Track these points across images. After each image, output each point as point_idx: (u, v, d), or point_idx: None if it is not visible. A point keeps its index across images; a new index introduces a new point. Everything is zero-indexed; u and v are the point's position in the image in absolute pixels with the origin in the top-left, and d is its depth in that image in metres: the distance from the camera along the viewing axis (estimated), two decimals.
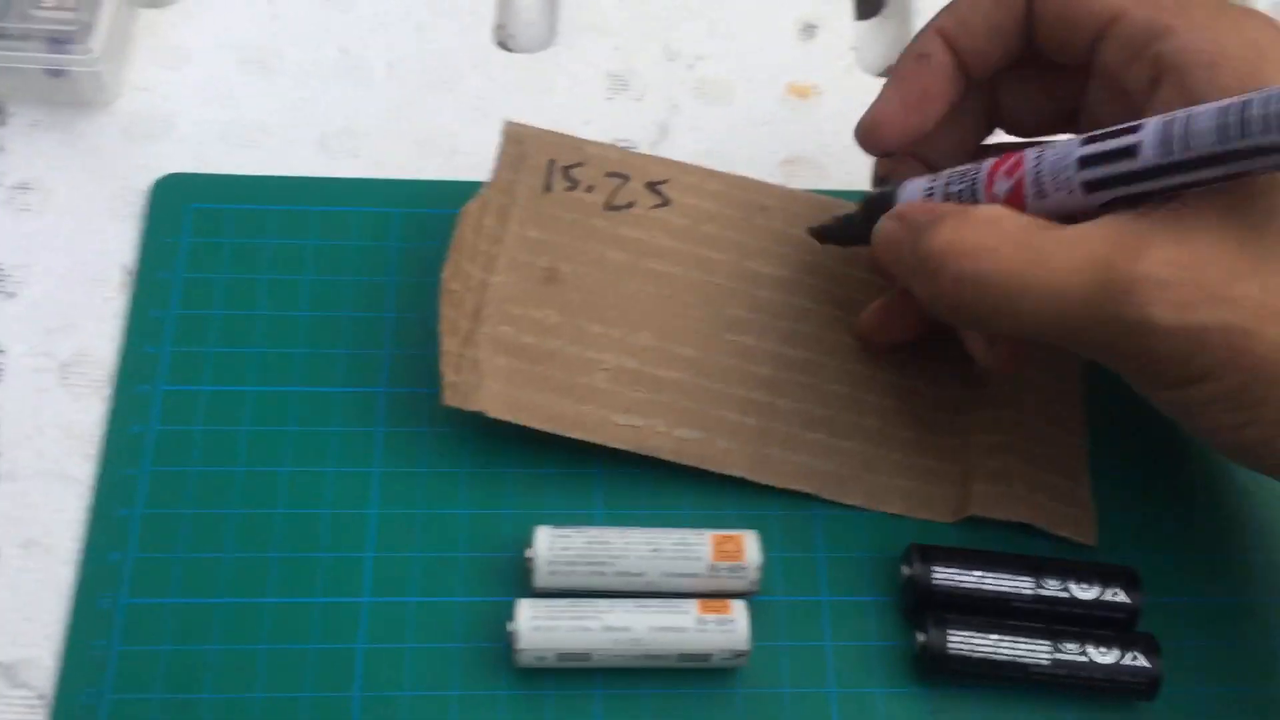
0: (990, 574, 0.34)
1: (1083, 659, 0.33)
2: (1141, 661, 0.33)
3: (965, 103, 0.35)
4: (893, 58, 0.47)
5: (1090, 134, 0.30)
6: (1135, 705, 0.34)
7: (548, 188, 0.38)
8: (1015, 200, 0.31)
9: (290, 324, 0.37)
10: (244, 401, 0.36)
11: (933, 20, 0.35)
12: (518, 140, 0.39)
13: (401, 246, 0.39)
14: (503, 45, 0.45)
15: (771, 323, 0.38)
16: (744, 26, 0.45)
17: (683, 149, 0.42)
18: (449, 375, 0.35)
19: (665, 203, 0.39)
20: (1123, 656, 0.33)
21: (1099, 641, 0.33)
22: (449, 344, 0.35)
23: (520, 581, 0.34)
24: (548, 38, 0.45)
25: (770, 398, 0.37)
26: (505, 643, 0.33)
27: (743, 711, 0.33)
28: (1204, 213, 0.28)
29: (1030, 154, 0.31)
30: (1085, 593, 0.34)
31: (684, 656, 0.32)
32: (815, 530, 0.36)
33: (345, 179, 0.40)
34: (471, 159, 0.41)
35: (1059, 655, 0.33)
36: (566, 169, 0.38)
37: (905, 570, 0.34)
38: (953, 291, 0.30)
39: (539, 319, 0.36)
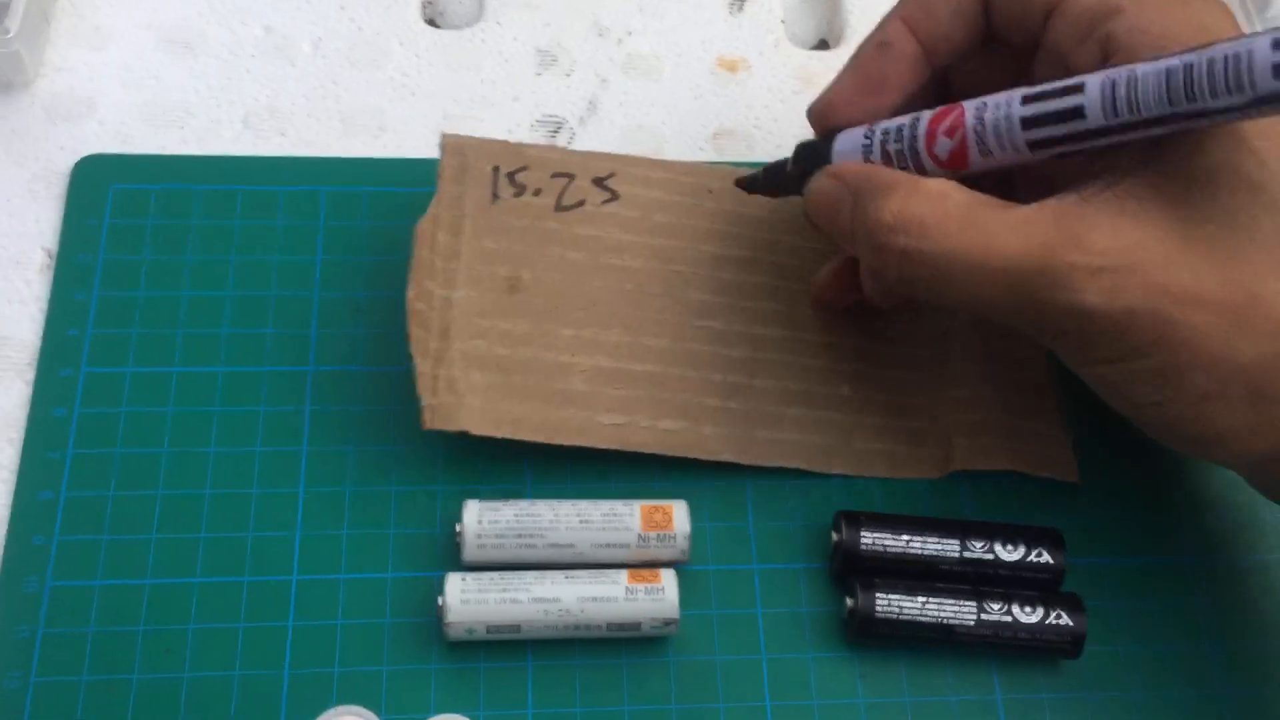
0: (917, 537, 0.34)
1: (1008, 619, 0.33)
2: (1065, 620, 0.33)
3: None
4: (822, 31, 0.47)
5: (1030, 92, 0.30)
6: (1060, 663, 0.34)
7: (495, 196, 0.38)
8: (959, 159, 0.31)
9: (215, 304, 0.37)
10: (169, 383, 0.36)
11: (896, 8, 0.34)
12: (458, 151, 0.38)
13: (328, 225, 0.39)
14: (431, 22, 0.45)
15: (737, 304, 0.38)
16: (673, 1, 0.45)
17: (612, 124, 0.42)
18: (426, 398, 0.34)
19: (614, 197, 0.38)
20: (1047, 616, 0.33)
21: (1024, 602, 0.33)
22: (422, 366, 0.34)
23: (450, 556, 0.34)
24: (476, 13, 0.45)
25: (748, 379, 0.37)
26: (435, 617, 0.33)
27: (675, 679, 0.33)
28: (1145, 198, 0.29)
29: (969, 111, 0.31)
30: (1010, 554, 0.34)
31: (614, 626, 0.33)
32: (746, 499, 0.36)
33: (270, 157, 0.40)
34: (399, 136, 0.41)
35: (984, 616, 0.33)
36: (511, 175, 0.38)
37: (834, 536, 0.35)
38: (897, 264, 0.31)
39: (508, 329, 0.36)
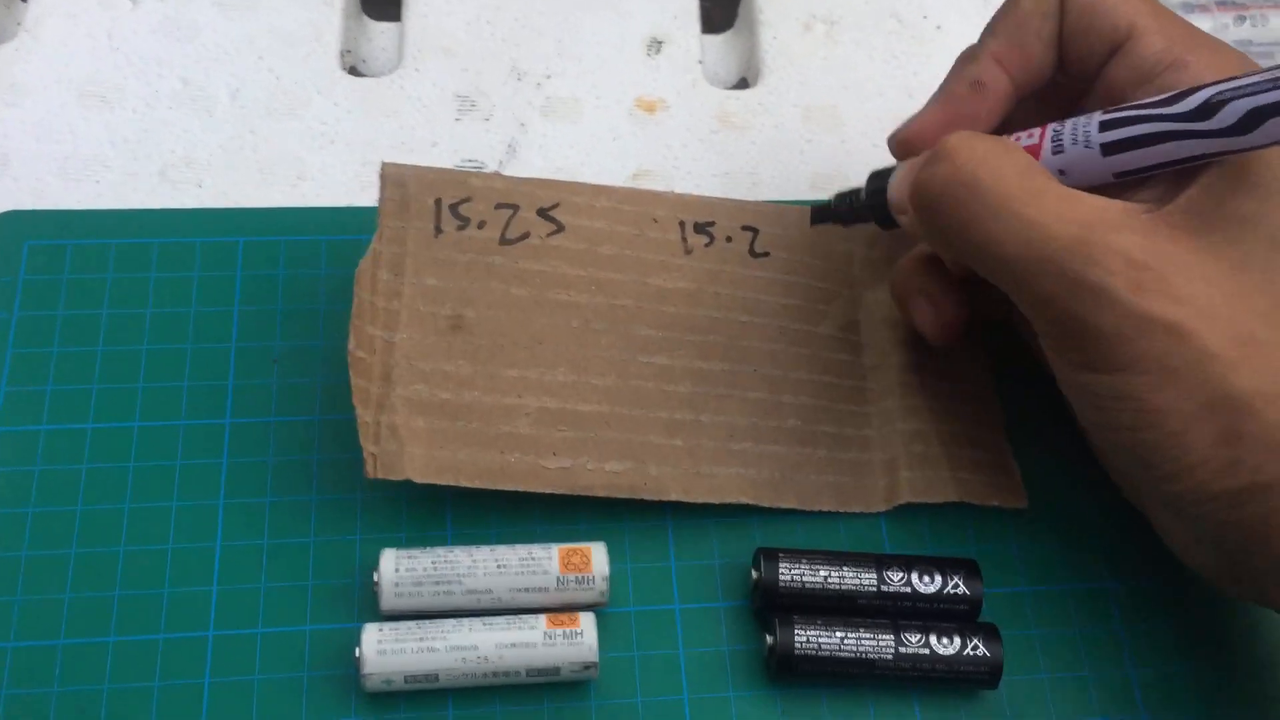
0: (835, 571, 0.34)
1: (925, 651, 0.33)
2: (982, 650, 0.34)
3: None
4: (741, 71, 0.47)
5: (1111, 110, 0.31)
6: (979, 693, 0.34)
7: (438, 230, 0.37)
8: (1030, 152, 0.32)
9: (131, 358, 0.37)
10: (84, 439, 0.36)
11: (985, 44, 0.34)
12: (399, 183, 0.37)
13: (245, 275, 0.39)
14: (352, 70, 0.45)
15: (682, 338, 0.38)
16: (592, 44, 0.45)
17: (531, 167, 0.42)
18: (368, 447, 0.34)
19: (560, 229, 0.38)
20: (964, 647, 0.33)
21: (941, 633, 0.34)
22: (363, 415, 0.34)
23: (370, 606, 0.34)
24: (395, 61, 0.45)
25: (693, 415, 0.37)
26: (354, 669, 0.33)
27: None
28: (1178, 227, 0.29)
29: (1049, 126, 0.32)
30: (927, 586, 0.34)
31: (533, 671, 0.33)
32: (667, 538, 0.36)
33: (187, 210, 0.40)
34: (318, 185, 0.41)
35: (903, 649, 0.33)
36: (454, 206, 0.37)
37: (754, 574, 0.35)
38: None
39: (451, 372, 0.36)
